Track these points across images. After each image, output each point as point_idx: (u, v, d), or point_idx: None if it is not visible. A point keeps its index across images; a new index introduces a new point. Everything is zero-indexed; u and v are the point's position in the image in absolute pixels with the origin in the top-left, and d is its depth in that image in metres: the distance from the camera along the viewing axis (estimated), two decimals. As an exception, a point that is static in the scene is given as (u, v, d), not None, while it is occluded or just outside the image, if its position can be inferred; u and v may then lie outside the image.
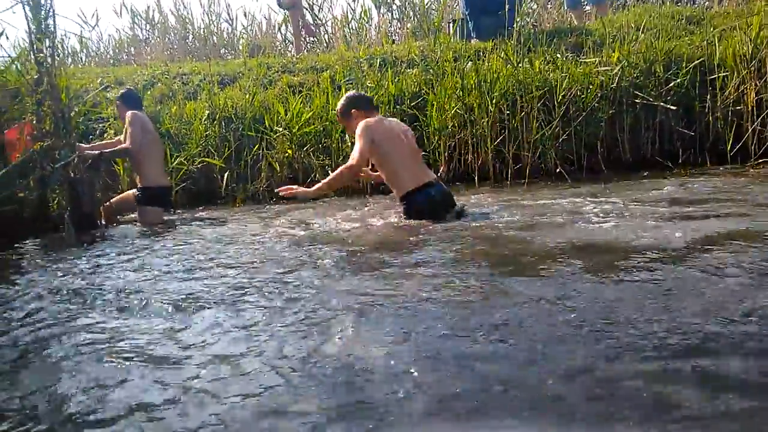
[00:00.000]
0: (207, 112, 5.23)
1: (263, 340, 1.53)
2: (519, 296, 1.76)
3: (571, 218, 2.93)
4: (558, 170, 4.59)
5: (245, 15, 10.67)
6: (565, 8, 7.36)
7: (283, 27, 9.62)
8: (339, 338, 1.51)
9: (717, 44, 4.89)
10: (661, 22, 5.56)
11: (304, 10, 8.68)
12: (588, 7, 7.37)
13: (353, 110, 3.42)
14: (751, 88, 4.58)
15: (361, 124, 3.26)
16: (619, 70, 4.82)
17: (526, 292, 1.79)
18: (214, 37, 11.12)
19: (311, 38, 8.81)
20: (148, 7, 11.74)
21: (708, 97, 4.76)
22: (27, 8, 4.08)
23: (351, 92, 3.75)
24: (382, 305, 1.74)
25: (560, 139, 4.70)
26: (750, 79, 4.61)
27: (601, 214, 2.94)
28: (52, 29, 4.15)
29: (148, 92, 6.06)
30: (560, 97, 4.76)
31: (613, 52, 5.02)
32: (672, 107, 4.71)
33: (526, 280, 1.92)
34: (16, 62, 4.69)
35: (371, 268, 2.22)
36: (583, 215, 2.99)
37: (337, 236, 3.00)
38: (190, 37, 11.59)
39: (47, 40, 4.18)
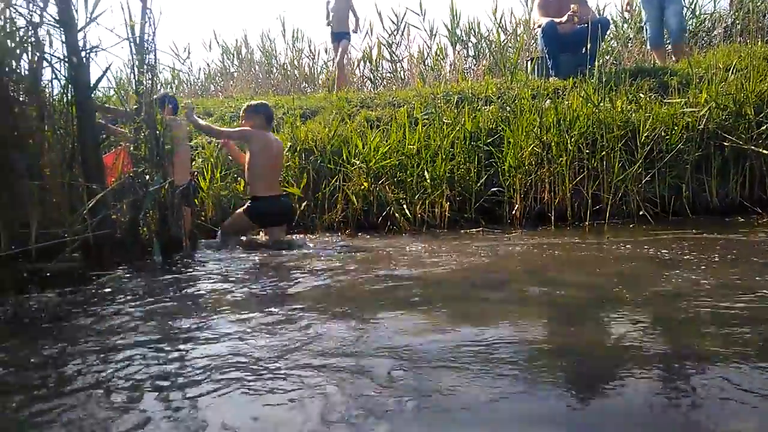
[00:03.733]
0: (289, 143, 5.45)
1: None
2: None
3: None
4: (641, 212, 4.44)
5: (326, 51, 11.10)
6: (648, 47, 7.21)
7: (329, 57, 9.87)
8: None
9: (816, 86, 4.64)
10: (753, 63, 5.34)
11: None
12: (670, 47, 7.20)
13: (256, 118, 4.45)
14: None
15: (250, 129, 4.40)
16: (706, 111, 4.65)
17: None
18: (297, 72, 11.61)
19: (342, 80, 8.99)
20: (237, 41, 12.33)
21: (804, 142, 4.50)
22: (132, 44, 4.44)
23: (264, 104, 4.66)
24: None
25: (643, 181, 4.56)
26: None
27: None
28: (153, 63, 4.48)
29: (234, 123, 6.37)
30: (643, 137, 4.64)
31: (700, 92, 4.86)
32: (764, 151, 4.48)
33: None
34: (119, 92, 5.08)
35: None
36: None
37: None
38: (274, 71, 12.16)
39: (149, 74, 4.53)
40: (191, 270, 3.43)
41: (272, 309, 2.19)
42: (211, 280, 2.99)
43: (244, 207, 4.47)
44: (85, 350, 1.80)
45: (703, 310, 1.99)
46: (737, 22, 9.56)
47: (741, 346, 1.61)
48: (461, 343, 1.71)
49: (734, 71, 5.12)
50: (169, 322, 2.06)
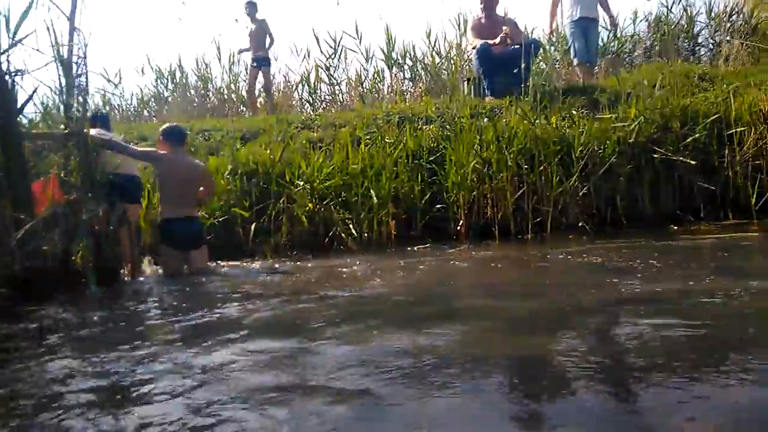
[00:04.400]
0: (230, 166, 5.33)
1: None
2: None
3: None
4: (580, 224, 4.59)
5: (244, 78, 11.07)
6: (575, 64, 7.54)
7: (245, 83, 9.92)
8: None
9: (732, 100, 4.96)
10: (675, 80, 5.66)
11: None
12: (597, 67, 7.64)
13: (165, 142, 4.37)
14: (770, 143, 4.60)
15: (154, 150, 4.45)
16: (636, 125, 4.88)
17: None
18: (234, 96, 11.45)
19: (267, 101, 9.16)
20: (171, 65, 12.06)
21: (726, 152, 4.79)
22: (59, 65, 4.23)
23: (172, 126, 4.54)
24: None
25: (580, 194, 4.72)
26: (768, 134, 4.65)
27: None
28: (84, 85, 4.29)
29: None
30: (578, 152, 4.81)
31: (629, 108, 5.10)
32: (691, 162, 4.73)
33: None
34: (46, 117, 4.83)
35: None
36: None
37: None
38: (211, 95, 11.95)
39: (79, 97, 4.33)
40: (128, 301, 3.26)
41: (208, 340, 2.09)
42: (148, 312, 2.86)
43: (161, 234, 4.34)
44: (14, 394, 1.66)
45: (649, 315, 2.05)
46: (656, 43, 10.18)
47: (688, 352, 1.66)
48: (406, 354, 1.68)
49: (660, 87, 5.40)
50: (103, 365, 1.92)
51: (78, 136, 4.16)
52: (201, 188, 4.45)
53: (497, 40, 6.50)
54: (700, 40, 10.09)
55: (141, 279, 4.19)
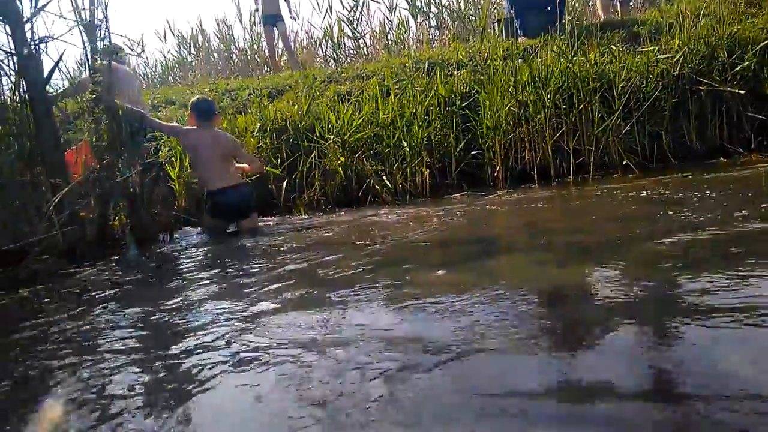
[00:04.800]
0: (258, 124, 5.25)
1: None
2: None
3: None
4: (624, 163, 4.39)
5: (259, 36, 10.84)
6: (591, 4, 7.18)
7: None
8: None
9: (785, 23, 4.63)
10: (721, 7, 5.31)
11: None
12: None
13: (192, 114, 4.27)
14: (827, 67, 4.29)
15: (178, 126, 4.41)
16: (680, 56, 4.61)
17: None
18: (257, 56, 11.29)
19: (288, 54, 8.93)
20: (192, 29, 11.93)
21: (778, 79, 4.49)
22: (82, 29, 4.17)
23: (198, 100, 4.39)
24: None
25: (623, 132, 4.51)
26: (824, 57, 4.33)
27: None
28: (110, 47, 4.23)
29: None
30: (619, 88, 4.58)
31: (672, 39, 4.81)
32: (740, 91, 4.46)
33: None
34: (74, 84, 4.80)
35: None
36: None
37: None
38: (234, 57, 11.82)
39: (105, 59, 4.27)
40: (165, 262, 3.25)
41: (254, 296, 2.05)
42: (184, 271, 2.83)
43: (206, 206, 4.28)
44: (68, 349, 1.64)
45: (697, 245, 1.92)
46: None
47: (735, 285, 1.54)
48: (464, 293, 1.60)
49: (704, 16, 5.07)
50: (151, 319, 1.90)
51: (105, 99, 4.14)
52: (244, 165, 4.38)
53: (528, -23, 6.19)
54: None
55: (180, 240, 4.19)
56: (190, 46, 12.01)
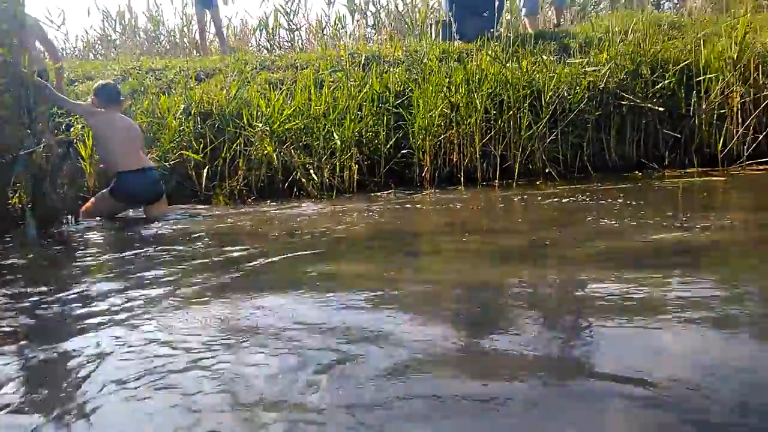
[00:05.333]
0: (182, 106, 5.00)
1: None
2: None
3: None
4: (547, 170, 4.49)
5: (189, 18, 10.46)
6: (523, 16, 7.36)
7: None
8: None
9: (702, 47, 4.88)
10: (646, 26, 5.55)
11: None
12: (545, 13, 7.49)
13: (97, 98, 4.07)
14: (737, 92, 4.56)
15: (90, 106, 4.09)
16: (607, 70, 4.77)
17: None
18: (186, 40, 10.86)
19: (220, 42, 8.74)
20: (119, 6, 11.33)
21: (693, 100, 4.73)
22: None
23: (106, 83, 4.24)
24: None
25: (548, 140, 4.61)
26: (735, 83, 4.60)
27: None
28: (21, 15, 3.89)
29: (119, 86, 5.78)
30: (548, 97, 4.68)
31: (601, 53, 4.98)
32: (659, 108, 4.67)
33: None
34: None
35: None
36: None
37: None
38: (162, 38, 11.31)
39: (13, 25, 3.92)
40: (68, 246, 3.01)
41: (154, 286, 1.90)
42: (88, 257, 2.62)
43: (109, 186, 4.02)
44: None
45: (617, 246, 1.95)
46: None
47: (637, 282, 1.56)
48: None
49: (631, 33, 5.28)
50: (39, 306, 1.72)
51: (12, 66, 3.79)
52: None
53: (467, -18, 6.24)
54: (665, -7, 10.05)
55: (86, 223, 3.90)
56: (115, 22, 11.38)
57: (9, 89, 3.85)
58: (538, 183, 4.31)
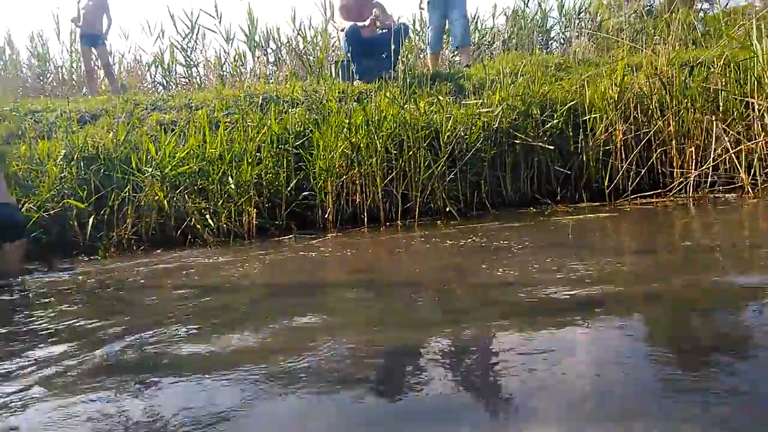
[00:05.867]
0: (63, 151, 4.64)
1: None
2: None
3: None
4: (447, 209, 4.53)
5: (110, 54, 10.01)
6: (428, 52, 7.56)
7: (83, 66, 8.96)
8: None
9: (586, 88, 5.19)
10: (534, 69, 5.85)
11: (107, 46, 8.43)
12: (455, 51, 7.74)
13: None
14: (619, 130, 4.86)
15: None
16: (499, 111, 4.93)
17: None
18: (75, 77, 10.29)
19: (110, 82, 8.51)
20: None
21: (581, 138, 4.99)
22: None
23: None
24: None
25: (447, 179, 4.67)
26: (617, 121, 4.90)
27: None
28: None
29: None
30: (446, 137, 4.77)
31: (493, 94, 5.16)
32: (549, 147, 4.88)
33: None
34: None
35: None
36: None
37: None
38: (49, 74, 10.67)
39: None
40: None
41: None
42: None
43: None
44: None
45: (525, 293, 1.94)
46: (513, 36, 10.67)
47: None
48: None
49: (521, 75, 5.54)
50: None
51: None
52: None
53: (367, 22, 6.34)
54: (552, 35, 10.75)
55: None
56: (-8, 58, 10.61)
57: None
58: (438, 223, 4.34)
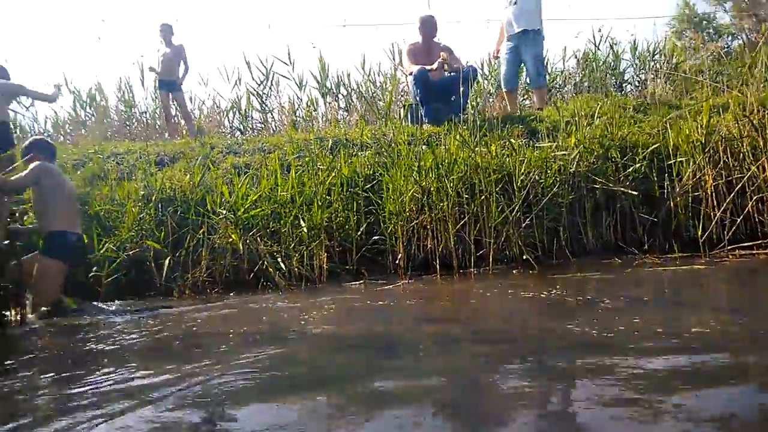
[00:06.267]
0: (142, 192, 4.79)
1: None
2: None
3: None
4: (524, 257, 4.31)
5: (191, 100, 10.49)
6: (503, 89, 7.38)
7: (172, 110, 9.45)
8: None
9: (669, 131, 4.91)
10: (612, 110, 5.62)
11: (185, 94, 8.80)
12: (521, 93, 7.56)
13: (37, 154, 4.12)
14: (709, 175, 4.55)
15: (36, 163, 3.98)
16: (576, 154, 4.73)
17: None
18: (158, 122, 10.80)
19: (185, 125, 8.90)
20: (90, 88, 11.28)
21: (666, 183, 4.70)
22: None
23: (39, 138, 4.45)
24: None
25: (523, 225, 4.47)
26: (705, 166, 4.60)
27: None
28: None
29: (78, 172, 5.59)
30: (519, 181, 4.60)
31: (569, 136, 4.97)
32: (632, 192, 4.61)
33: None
34: None
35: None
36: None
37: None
38: (134, 120, 11.24)
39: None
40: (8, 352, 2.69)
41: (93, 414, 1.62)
42: (27, 369, 2.31)
43: (46, 249, 3.88)
44: None
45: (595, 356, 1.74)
46: (584, 79, 10.42)
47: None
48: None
49: (597, 117, 5.33)
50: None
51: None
52: None
53: (435, 66, 6.32)
54: (626, 77, 10.43)
55: (31, 321, 3.58)
56: (86, 103, 11.29)
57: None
58: (514, 271, 4.13)
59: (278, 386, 1.77)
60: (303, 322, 2.79)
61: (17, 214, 4.33)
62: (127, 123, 11.22)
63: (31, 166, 3.95)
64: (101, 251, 4.46)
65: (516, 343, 2.14)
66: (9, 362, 2.44)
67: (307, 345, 2.34)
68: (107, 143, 7.26)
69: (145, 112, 11.11)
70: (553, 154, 4.83)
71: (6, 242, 3.76)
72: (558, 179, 4.68)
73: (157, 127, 10.69)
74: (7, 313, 3.63)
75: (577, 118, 5.34)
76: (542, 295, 3.00)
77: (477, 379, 1.74)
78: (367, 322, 2.79)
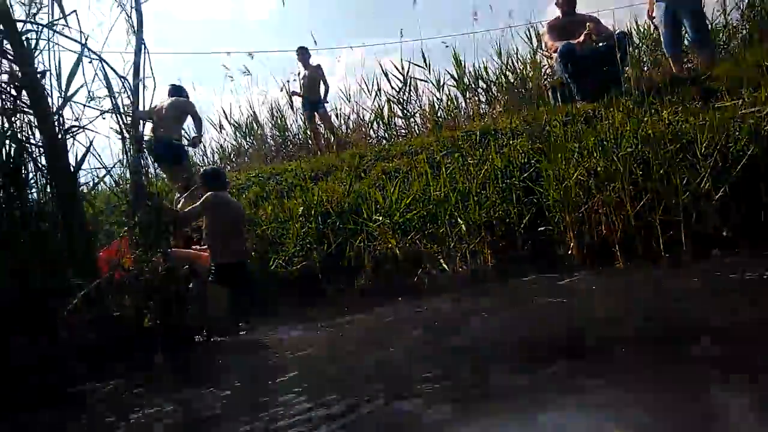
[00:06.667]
0: (301, 208, 4.93)
1: None
2: None
3: None
4: (724, 234, 3.68)
5: (337, 116, 10.84)
6: (667, 55, 6.56)
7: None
8: None
9: None
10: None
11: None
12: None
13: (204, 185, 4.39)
14: None
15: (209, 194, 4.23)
16: (771, 109, 4.00)
17: None
18: (309, 141, 11.27)
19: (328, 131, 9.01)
20: (247, 119, 12.11)
21: None
22: (119, 116, 3.97)
23: (208, 169, 4.84)
24: None
25: (716, 198, 3.83)
26: None
27: None
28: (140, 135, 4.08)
29: (243, 195, 5.94)
30: (702, 147, 3.99)
31: (756, 91, 4.24)
32: None
33: None
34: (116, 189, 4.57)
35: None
36: None
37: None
38: (288, 143, 11.84)
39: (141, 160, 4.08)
40: (198, 372, 2.82)
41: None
42: (217, 385, 2.38)
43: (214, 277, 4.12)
44: None
45: None
46: (753, 31, 9.01)
47: None
48: None
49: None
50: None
51: (140, 188, 3.92)
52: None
53: (581, 39, 5.81)
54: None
55: (218, 340, 3.79)
56: (245, 134, 12.16)
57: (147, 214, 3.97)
58: (715, 253, 3.55)
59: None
60: (479, 327, 2.59)
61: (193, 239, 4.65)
62: (282, 146, 11.88)
63: (204, 197, 4.21)
64: (271, 267, 4.64)
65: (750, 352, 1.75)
66: (203, 385, 2.54)
67: (484, 350, 2.14)
68: (266, 166, 7.67)
69: (297, 135, 11.68)
70: (741, 112, 4.14)
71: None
72: (751, 141, 3.98)
73: (309, 146, 11.17)
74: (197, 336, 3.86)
75: (763, 71, 4.55)
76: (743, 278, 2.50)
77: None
78: (549, 327, 2.52)
